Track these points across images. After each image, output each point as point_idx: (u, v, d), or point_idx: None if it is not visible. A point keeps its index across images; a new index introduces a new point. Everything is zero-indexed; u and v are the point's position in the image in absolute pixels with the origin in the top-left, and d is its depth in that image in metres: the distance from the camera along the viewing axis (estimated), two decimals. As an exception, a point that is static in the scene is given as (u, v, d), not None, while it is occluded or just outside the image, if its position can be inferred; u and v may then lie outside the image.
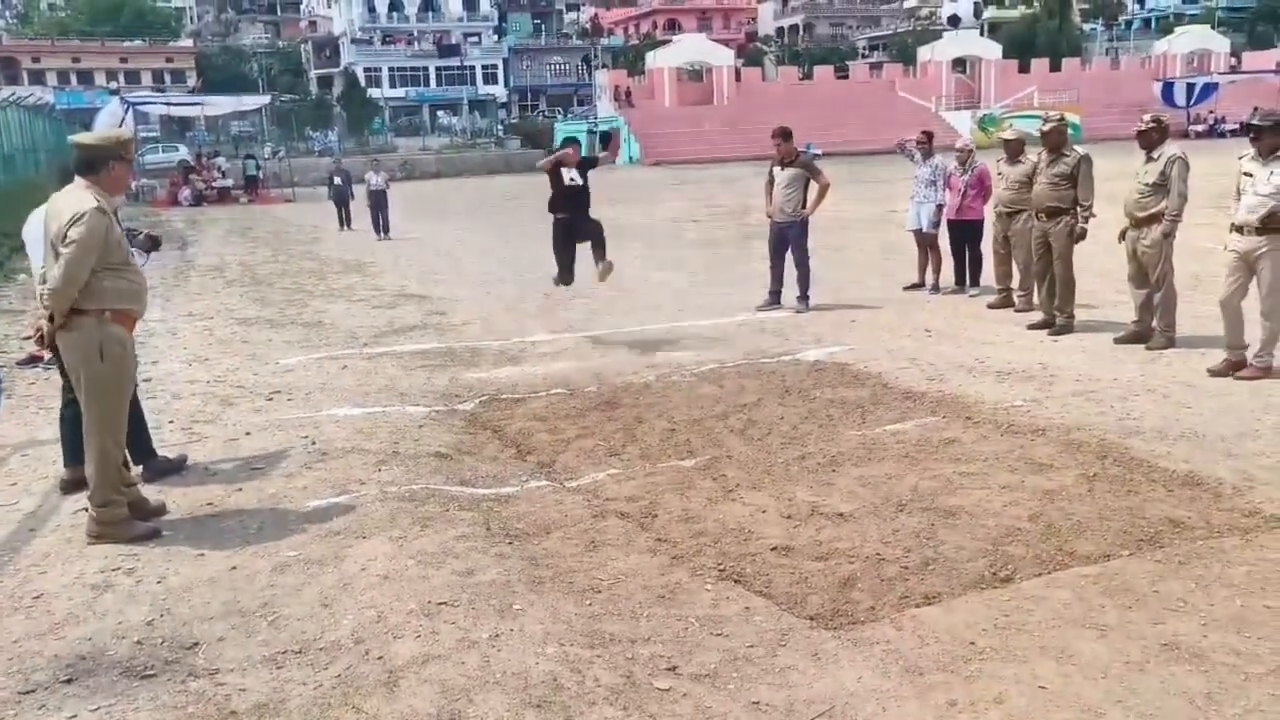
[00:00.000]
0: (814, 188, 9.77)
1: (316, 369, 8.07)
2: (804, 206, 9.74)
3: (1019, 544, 4.25)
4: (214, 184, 32.09)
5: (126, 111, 30.05)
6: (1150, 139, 7.54)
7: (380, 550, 4.39)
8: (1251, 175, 6.69)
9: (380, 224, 18.93)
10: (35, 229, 5.77)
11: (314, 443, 6.02)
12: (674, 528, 4.56)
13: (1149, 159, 7.54)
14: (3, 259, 14.34)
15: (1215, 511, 4.54)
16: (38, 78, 64.21)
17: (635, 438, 5.93)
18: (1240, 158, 6.88)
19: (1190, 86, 50.87)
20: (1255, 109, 9.84)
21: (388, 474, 5.40)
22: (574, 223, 8.80)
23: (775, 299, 9.94)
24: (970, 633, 3.54)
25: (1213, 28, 63.61)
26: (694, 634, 3.60)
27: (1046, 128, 8.33)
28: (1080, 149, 8.34)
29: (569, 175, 8.71)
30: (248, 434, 6.28)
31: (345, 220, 20.89)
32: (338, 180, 21.26)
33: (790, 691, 3.22)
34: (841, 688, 3.23)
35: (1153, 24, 78.72)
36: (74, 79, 67.65)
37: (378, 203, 18.98)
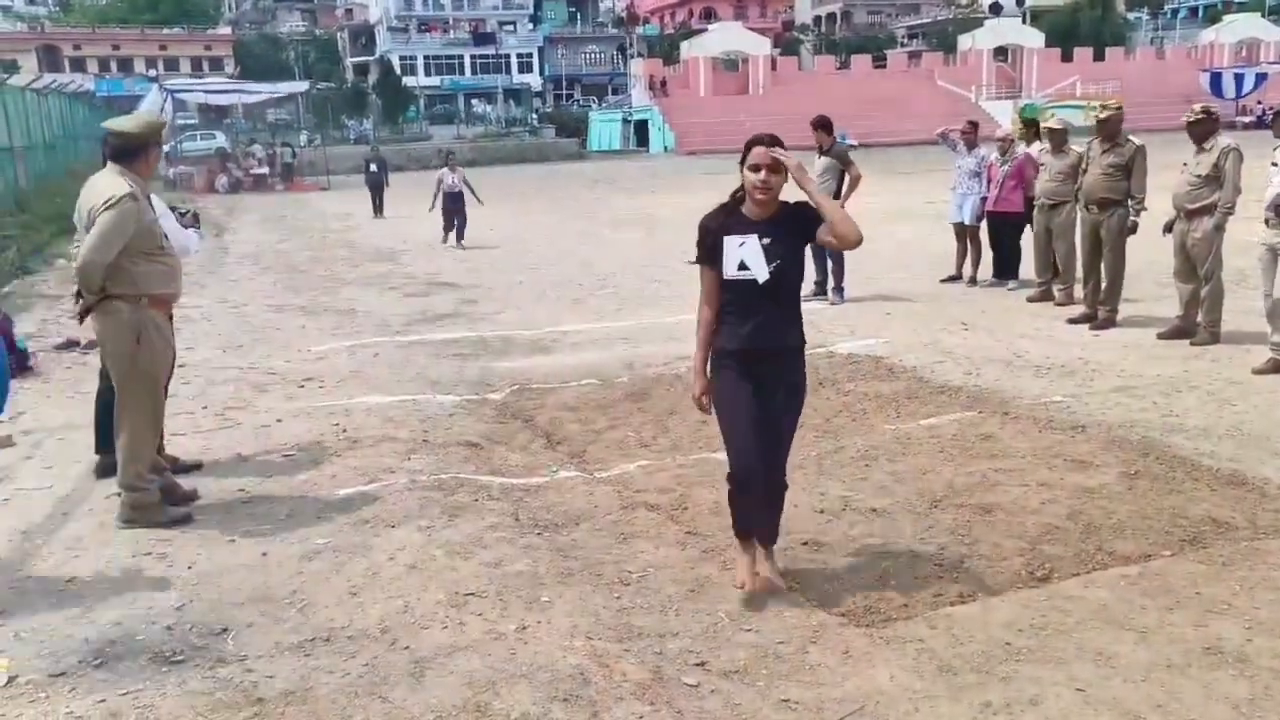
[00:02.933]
0: (847, 179, 9.65)
1: (348, 357, 8.09)
2: (837, 197, 9.62)
3: (1057, 543, 4.16)
4: (250, 171, 32.37)
5: (165, 99, 30.35)
6: (1202, 130, 7.36)
7: (409, 539, 4.38)
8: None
9: (454, 228, 15.55)
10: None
11: (345, 430, 6.03)
12: (705, 520, 4.51)
13: (1200, 150, 7.36)
14: (41, 245, 14.50)
15: (1261, 512, 4.42)
16: (79, 65, 65.13)
17: (666, 429, 5.88)
18: (1276, 149, 6.72)
19: (1239, 77, 49.80)
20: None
21: (417, 463, 5.39)
22: (760, 356, 3.77)
23: (819, 289, 9.78)
24: (1006, 633, 3.46)
25: (1263, 15, 62.15)
26: (724, 629, 3.55)
27: (1105, 115, 8.06)
28: (1134, 139, 8.14)
29: (739, 251, 3.62)
30: (279, 421, 6.30)
31: (379, 207, 21.06)
32: (373, 167, 21.41)
33: (820, 689, 3.17)
34: (873, 687, 3.17)
35: (1200, 12, 76.94)
36: (114, 66, 68.53)
37: (454, 205, 15.52)
